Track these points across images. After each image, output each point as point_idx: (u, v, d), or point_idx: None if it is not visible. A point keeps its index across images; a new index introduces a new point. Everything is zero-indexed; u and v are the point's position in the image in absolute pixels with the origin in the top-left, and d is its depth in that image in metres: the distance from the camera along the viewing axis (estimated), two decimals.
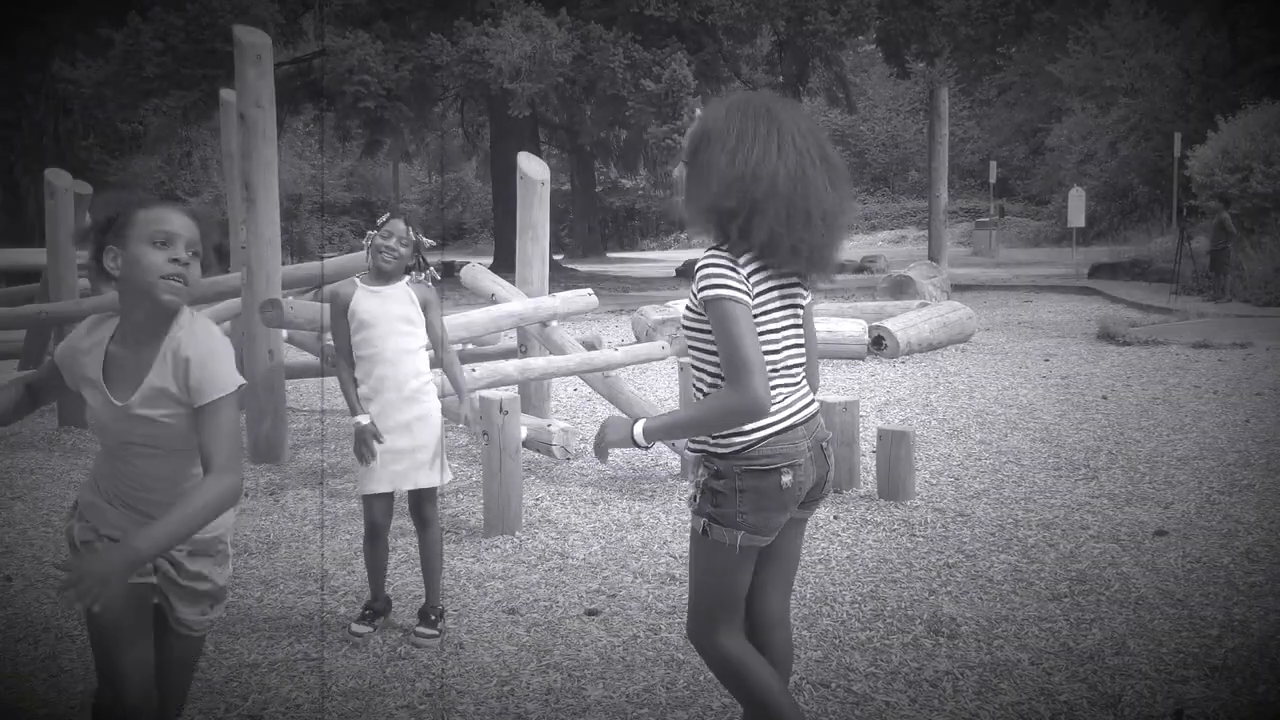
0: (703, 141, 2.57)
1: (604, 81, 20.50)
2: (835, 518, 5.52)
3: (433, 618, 4.02)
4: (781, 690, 2.64)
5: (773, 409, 2.55)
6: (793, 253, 2.52)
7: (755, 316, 2.50)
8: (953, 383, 9.82)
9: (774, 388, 2.56)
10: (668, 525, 5.43)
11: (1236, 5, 26.67)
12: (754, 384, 2.42)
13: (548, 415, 7.59)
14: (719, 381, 2.55)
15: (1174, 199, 23.07)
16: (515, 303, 6.94)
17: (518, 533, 5.32)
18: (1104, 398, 8.87)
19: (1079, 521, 5.40)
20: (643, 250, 45.81)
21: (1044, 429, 7.68)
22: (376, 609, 4.13)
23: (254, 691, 3.58)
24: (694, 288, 2.54)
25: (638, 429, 2.57)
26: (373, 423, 3.89)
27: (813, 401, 2.67)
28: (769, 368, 2.54)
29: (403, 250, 3.98)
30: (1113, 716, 3.33)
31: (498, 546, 5.13)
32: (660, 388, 9.74)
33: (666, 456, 6.82)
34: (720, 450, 2.56)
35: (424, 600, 4.13)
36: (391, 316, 3.98)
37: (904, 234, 40.46)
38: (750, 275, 2.51)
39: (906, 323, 11.87)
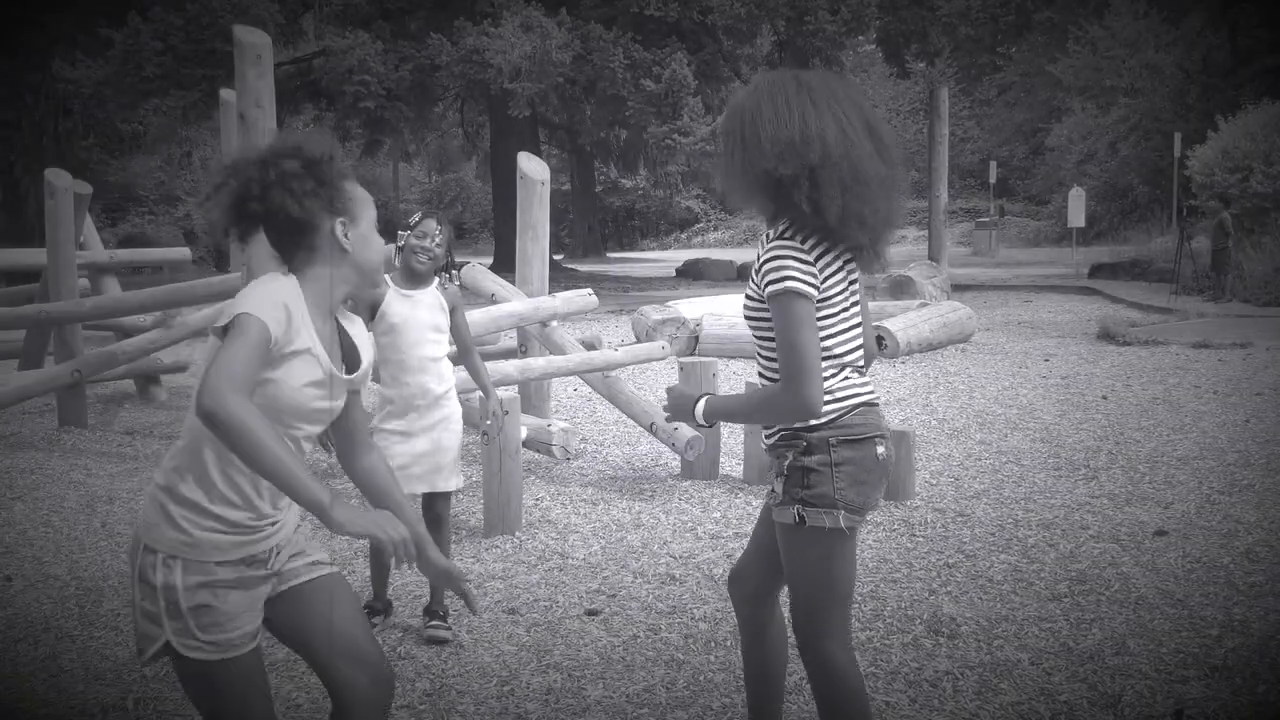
0: (738, 120, 2.46)
1: (604, 81, 20.50)
2: None
3: (441, 613, 4.01)
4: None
5: (855, 385, 2.51)
6: (861, 224, 2.40)
7: (824, 302, 2.43)
8: (953, 383, 9.82)
9: (846, 369, 2.51)
10: (668, 525, 5.43)
11: (1236, 5, 26.67)
12: (808, 387, 2.36)
13: (548, 415, 7.59)
14: (767, 366, 2.54)
15: (1174, 199, 23.07)
16: (515, 303, 6.94)
17: (518, 533, 5.32)
18: (1104, 398, 8.87)
19: (1079, 521, 5.40)
20: (643, 250, 45.81)
21: (1044, 429, 7.68)
22: (376, 609, 4.13)
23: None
24: (757, 277, 2.45)
25: (700, 409, 2.56)
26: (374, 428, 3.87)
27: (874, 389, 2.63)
28: (840, 355, 2.49)
29: (438, 250, 3.95)
30: (1113, 716, 3.33)
31: (498, 546, 5.13)
32: (660, 388, 9.74)
33: (667, 456, 6.82)
34: (812, 422, 2.44)
35: (428, 600, 4.11)
36: (422, 324, 3.96)
37: (904, 234, 40.37)
38: (818, 261, 2.42)
39: (906, 323, 11.87)
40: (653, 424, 6.31)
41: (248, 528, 2.21)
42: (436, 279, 4.05)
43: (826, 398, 2.44)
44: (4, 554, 5.15)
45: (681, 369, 6.39)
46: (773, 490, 2.54)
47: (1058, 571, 4.65)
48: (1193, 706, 3.37)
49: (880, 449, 2.48)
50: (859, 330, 2.56)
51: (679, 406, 2.61)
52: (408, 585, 4.57)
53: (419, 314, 3.94)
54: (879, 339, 11.53)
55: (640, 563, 4.86)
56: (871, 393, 2.55)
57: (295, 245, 2.23)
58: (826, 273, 2.44)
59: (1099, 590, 4.41)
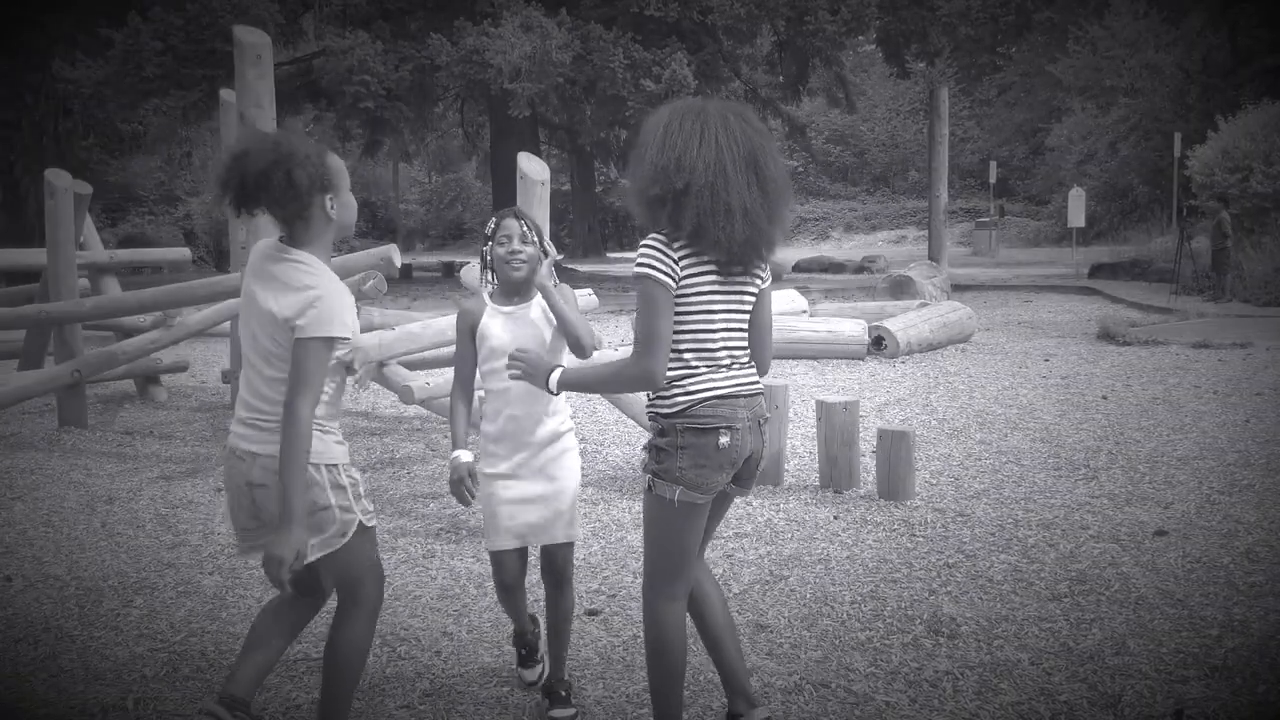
0: (643, 137, 2.84)
1: (604, 81, 20.50)
2: (835, 518, 5.52)
3: (563, 693, 3.42)
4: (680, 680, 2.94)
5: (716, 379, 2.83)
6: (715, 244, 2.75)
7: (685, 297, 2.77)
8: (953, 383, 9.82)
9: (708, 362, 2.82)
10: None
11: (1236, 5, 26.67)
12: (650, 359, 2.73)
13: None
14: None
15: (1174, 199, 23.08)
16: None
17: None
18: (1104, 398, 8.87)
19: (1079, 521, 5.40)
20: None
21: (1044, 429, 7.68)
22: (531, 645, 3.61)
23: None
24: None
25: (554, 377, 2.93)
26: (474, 460, 3.36)
27: (756, 382, 2.93)
28: (700, 345, 2.82)
29: (529, 250, 3.34)
30: (1113, 716, 3.33)
31: None
32: None
33: None
34: (665, 410, 2.83)
35: (546, 674, 3.56)
36: (529, 345, 3.26)
37: (904, 234, 40.45)
38: (681, 260, 2.77)
39: (906, 323, 11.87)
40: None
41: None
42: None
43: (678, 390, 2.81)
44: (4, 554, 5.15)
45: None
46: (643, 457, 2.95)
47: (1058, 571, 4.65)
48: (1193, 706, 3.37)
49: (724, 439, 2.81)
50: (728, 334, 2.86)
51: (534, 372, 2.96)
52: (406, 585, 4.57)
53: (522, 333, 3.34)
54: (879, 339, 11.54)
55: (640, 563, 4.85)
56: (738, 385, 2.86)
57: (294, 217, 2.83)
58: (688, 273, 2.78)
59: (1099, 590, 4.41)
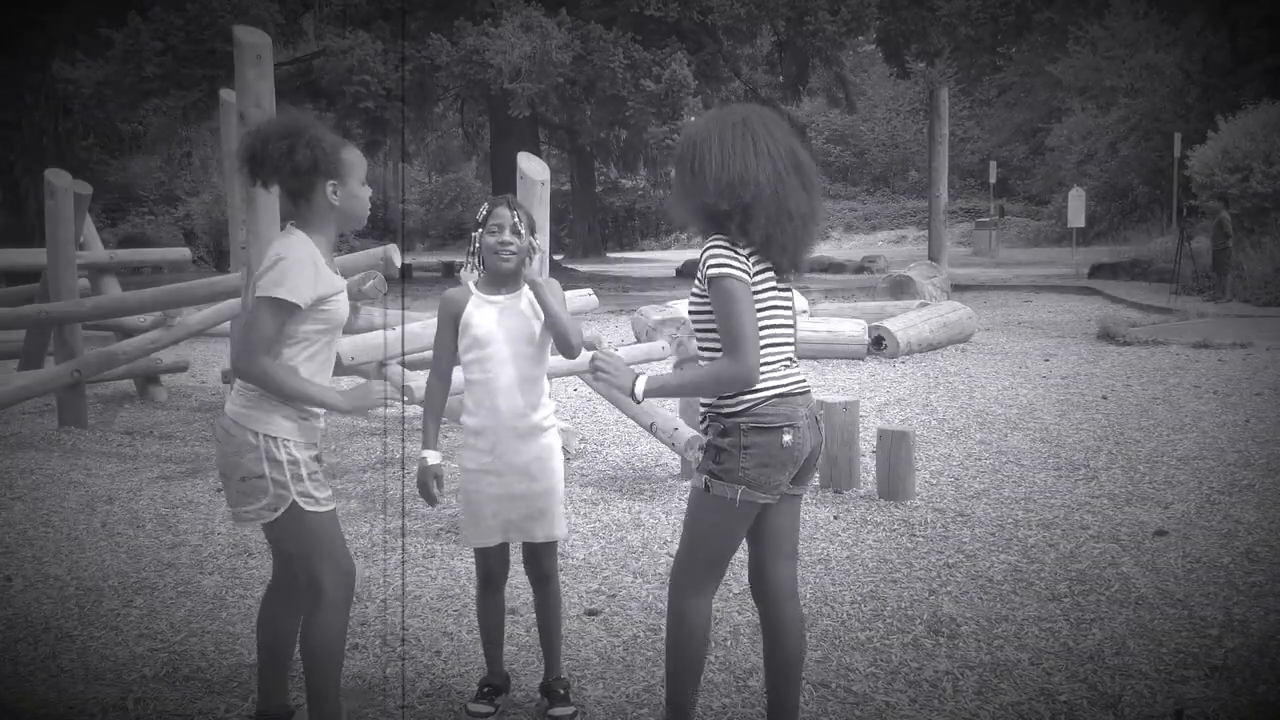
0: (690, 151, 2.85)
1: (604, 81, 20.49)
2: (835, 518, 5.52)
3: (562, 692, 3.39)
4: (697, 675, 2.95)
5: (776, 377, 2.84)
6: (782, 249, 2.82)
7: (755, 295, 2.78)
8: (953, 383, 9.82)
9: (772, 361, 2.84)
10: (668, 525, 5.43)
11: (1236, 5, 26.68)
12: (748, 354, 2.72)
13: None
14: (705, 359, 2.88)
15: (1174, 199, 23.08)
16: None
17: None
18: (1104, 398, 8.87)
19: (1079, 521, 5.40)
20: (643, 250, 45.79)
21: (1044, 429, 7.68)
22: (496, 685, 3.46)
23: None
24: (700, 272, 2.81)
25: (639, 385, 2.82)
26: (440, 464, 3.32)
27: (805, 379, 2.95)
28: (768, 342, 2.82)
29: (519, 241, 3.26)
30: (1113, 716, 3.33)
31: None
32: None
33: (667, 456, 6.82)
34: (728, 410, 2.81)
35: (543, 673, 3.50)
36: (514, 336, 3.26)
37: (904, 234, 40.44)
38: (749, 258, 2.80)
39: (906, 323, 11.87)
40: (652, 424, 6.31)
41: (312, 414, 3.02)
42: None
43: (742, 394, 2.80)
44: (4, 554, 5.15)
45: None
46: (696, 456, 2.90)
47: (1058, 571, 4.65)
48: (1193, 706, 3.37)
49: (787, 437, 2.81)
50: (785, 332, 2.92)
51: (617, 380, 2.85)
52: (413, 590, 4.56)
53: (509, 323, 3.26)
54: (879, 339, 11.53)
55: (640, 563, 4.86)
56: (794, 384, 2.88)
57: (294, 195, 2.96)
58: (756, 272, 2.81)
59: (1099, 590, 4.41)
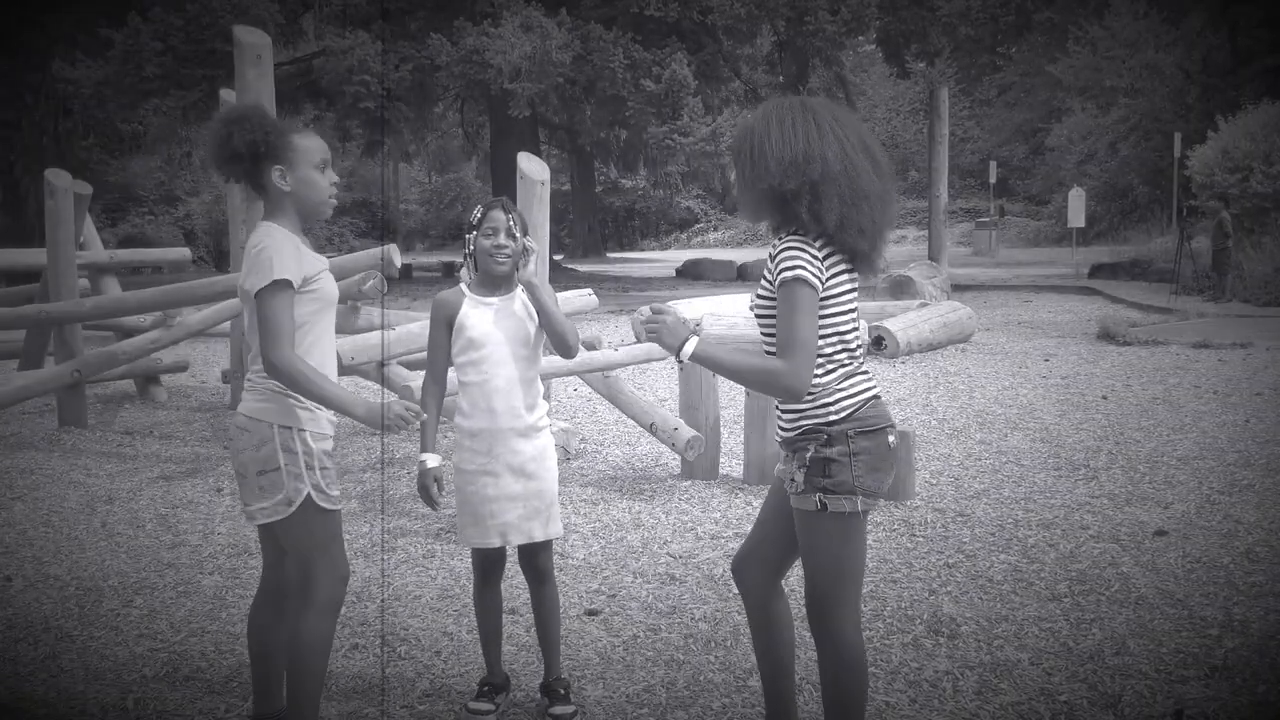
0: (748, 139, 2.69)
1: (604, 81, 20.49)
2: None
3: (562, 691, 3.40)
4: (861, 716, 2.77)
5: (865, 379, 2.73)
6: (860, 232, 2.64)
7: (829, 298, 2.65)
8: (953, 383, 9.82)
9: (854, 363, 2.72)
10: (668, 525, 5.43)
11: (1236, 5, 26.68)
12: (804, 365, 2.57)
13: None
14: None
15: (1174, 199, 23.08)
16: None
17: None
18: (1104, 398, 8.87)
19: (1079, 521, 5.40)
20: (643, 250, 45.80)
21: (1044, 429, 7.68)
22: (496, 684, 3.46)
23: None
24: (771, 268, 2.66)
25: (689, 346, 2.64)
26: (440, 467, 3.26)
27: None
28: (847, 346, 2.71)
29: (513, 244, 3.28)
30: (1113, 716, 3.33)
31: None
32: (660, 388, 9.75)
33: (667, 456, 6.82)
34: (831, 417, 2.65)
35: (543, 673, 3.51)
36: (511, 337, 3.29)
37: (904, 234, 40.39)
38: (825, 259, 2.64)
39: (906, 323, 11.87)
40: (652, 424, 6.31)
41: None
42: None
43: (841, 394, 2.67)
44: (4, 554, 5.15)
45: (682, 368, 6.38)
46: (792, 480, 2.69)
47: (1058, 571, 4.65)
48: (1193, 706, 3.37)
49: (891, 438, 2.71)
50: (859, 332, 2.78)
51: (668, 335, 2.66)
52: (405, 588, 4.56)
53: (504, 325, 3.28)
54: (879, 339, 11.54)
55: (640, 563, 4.86)
56: (876, 385, 2.77)
57: (253, 186, 2.96)
58: (831, 273, 2.65)
59: (1099, 590, 4.41)
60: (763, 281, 2.72)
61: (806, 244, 2.61)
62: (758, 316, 2.74)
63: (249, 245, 2.90)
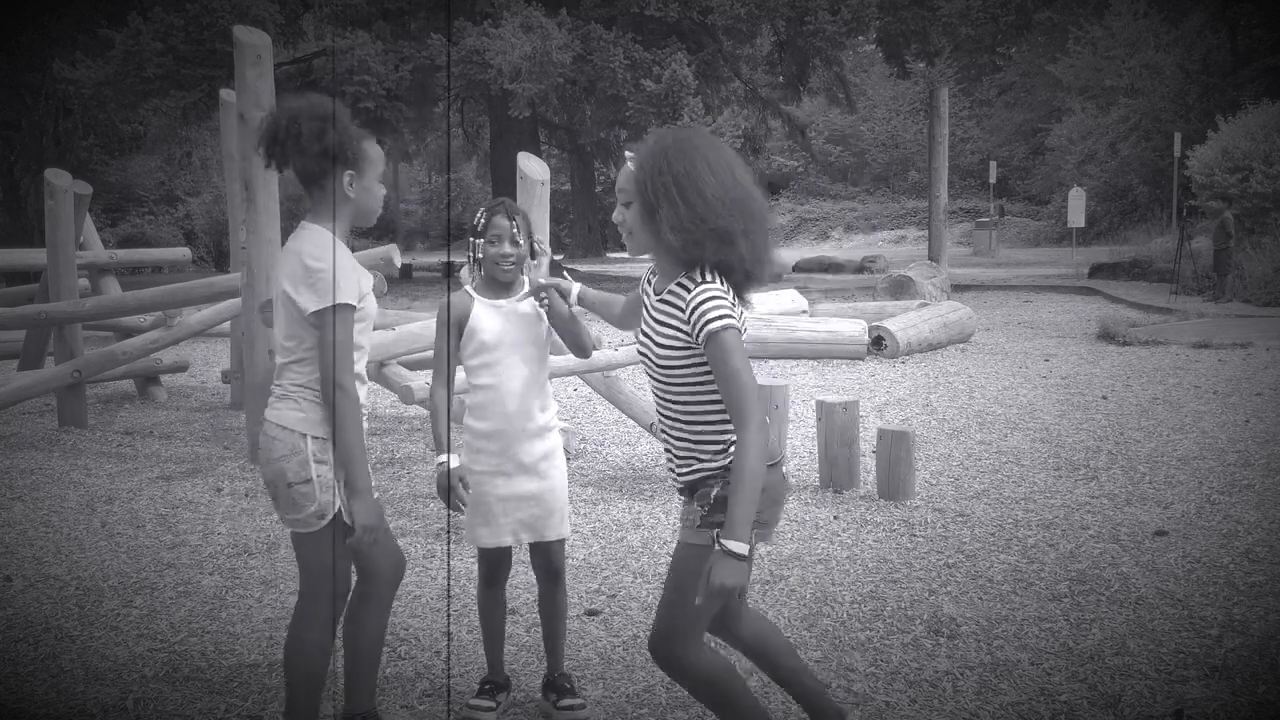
0: (670, 185, 2.55)
1: (604, 81, 20.49)
2: (835, 518, 5.52)
3: (567, 685, 3.41)
4: (750, 694, 2.79)
5: None
6: (770, 263, 2.65)
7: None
8: (953, 383, 9.82)
9: None
10: (668, 525, 5.43)
11: (1236, 5, 26.70)
12: (759, 410, 2.52)
13: None
14: (692, 414, 2.64)
15: (1174, 199, 23.08)
16: None
17: None
18: (1104, 398, 8.87)
19: (1079, 521, 5.40)
20: None
21: (1044, 429, 7.68)
22: (498, 683, 3.46)
23: (254, 692, 3.58)
24: (688, 321, 2.55)
25: (734, 548, 2.45)
26: (461, 466, 3.23)
27: None
28: None
29: (519, 250, 3.29)
30: (1113, 716, 3.33)
31: None
32: None
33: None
34: (729, 461, 2.60)
35: (546, 670, 3.50)
36: (523, 339, 3.28)
37: (904, 234, 40.42)
38: (729, 292, 2.60)
39: (906, 323, 11.87)
40: (652, 424, 6.31)
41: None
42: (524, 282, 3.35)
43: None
44: (4, 554, 5.15)
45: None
46: (691, 519, 2.65)
47: (1058, 571, 4.65)
48: (1193, 706, 3.37)
49: (785, 469, 2.68)
50: None
51: (734, 575, 2.46)
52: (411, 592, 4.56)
53: (516, 327, 3.28)
54: (879, 339, 11.54)
55: (640, 563, 4.86)
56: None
57: (312, 184, 2.89)
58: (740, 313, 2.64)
59: (1099, 590, 4.41)
60: (659, 326, 2.63)
61: (724, 289, 2.56)
62: (662, 367, 2.63)
63: (301, 251, 2.83)
